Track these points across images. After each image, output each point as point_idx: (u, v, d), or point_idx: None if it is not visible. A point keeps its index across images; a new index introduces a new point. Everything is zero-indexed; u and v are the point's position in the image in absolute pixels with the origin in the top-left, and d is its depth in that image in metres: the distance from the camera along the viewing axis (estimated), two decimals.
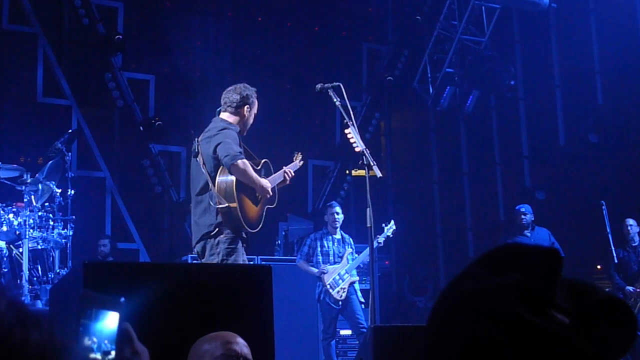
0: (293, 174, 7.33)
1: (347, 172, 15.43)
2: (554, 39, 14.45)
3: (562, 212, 13.09)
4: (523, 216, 11.71)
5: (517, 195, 14.23)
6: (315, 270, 10.64)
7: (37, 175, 9.53)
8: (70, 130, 10.89)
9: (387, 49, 16.64)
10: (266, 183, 6.95)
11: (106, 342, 1.65)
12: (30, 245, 9.13)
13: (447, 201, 16.15)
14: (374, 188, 7.17)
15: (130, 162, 14.44)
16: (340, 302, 10.50)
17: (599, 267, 12.41)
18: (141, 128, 14.17)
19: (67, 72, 13.90)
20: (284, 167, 7.33)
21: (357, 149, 6.81)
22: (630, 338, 1.30)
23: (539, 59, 14.48)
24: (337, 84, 7.03)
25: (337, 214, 10.88)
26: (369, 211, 7.04)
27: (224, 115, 7.17)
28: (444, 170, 16.45)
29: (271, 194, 7.02)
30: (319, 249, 10.85)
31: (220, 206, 6.74)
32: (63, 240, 9.59)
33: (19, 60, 13.67)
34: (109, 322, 1.67)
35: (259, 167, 7.07)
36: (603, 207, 10.77)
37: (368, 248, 10.47)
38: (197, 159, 6.96)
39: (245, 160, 6.80)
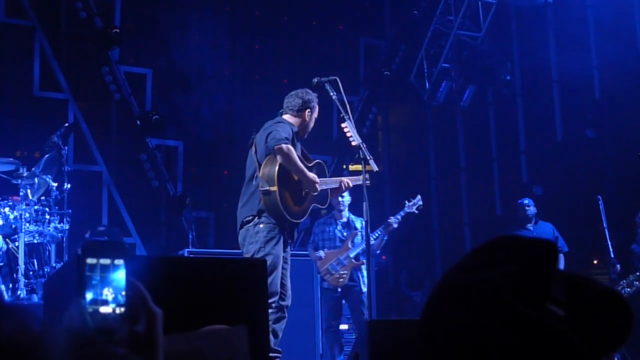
0: (351, 184, 7.35)
1: (344, 166, 15.42)
2: (551, 34, 14.44)
3: (559, 207, 13.08)
4: (527, 208, 11.68)
5: (514, 191, 14.24)
6: (315, 256, 10.56)
7: (33, 169, 9.50)
8: (66, 124, 10.85)
9: (385, 43, 16.64)
10: (313, 176, 7.01)
11: (123, 293, 1.62)
12: (26, 239, 9.11)
13: (444, 196, 16.15)
14: (370, 182, 7.17)
15: (127, 156, 14.43)
16: (339, 289, 10.28)
17: (595, 261, 12.42)
18: (138, 122, 14.16)
19: (64, 66, 13.88)
20: (344, 178, 7.43)
21: (353, 143, 6.80)
22: (625, 330, 1.30)
23: (536, 54, 14.46)
24: (334, 78, 7.02)
25: (342, 197, 10.60)
26: (365, 205, 7.04)
27: (286, 117, 7.23)
28: (441, 165, 16.45)
29: (318, 189, 7.04)
30: (321, 234, 10.77)
31: (262, 189, 6.83)
32: (59, 234, 9.57)
33: (15, 54, 13.65)
34: (120, 273, 1.65)
35: (311, 165, 7.16)
36: (600, 202, 10.76)
37: (377, 231, 10.51)
38: (251, 149, 7.10)
39: (290, 146, 6.86)
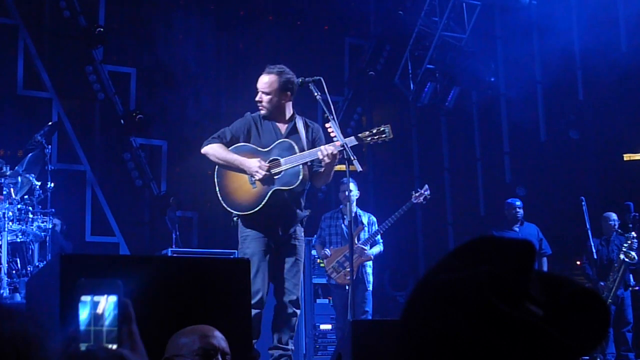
0: (334, 151, 6.66)
1: None
2: (535, 35, 14.48)
3: (543, 208, 13.13)
4: (518, 209, 11.72)
5: (497, 191, 14.28)
6: (322, 253, 10.49)
7: (16, 167, 9.48)
8: (50, 123, 10.82)
9: (369, 43, 16.65)
10: (251, 162, 6.79)
11: (115, 329, 1.63)
12: (9, 238, 9.09)
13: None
14: (354, 182, 7.17)
15: (110, 155, 14.40)
16: (347, 286, 9.94)
17: (578, 262, 12.46)
18: (122, 121, 14.15)
19: (48, 65, 13.84)
20: (322, 146, 6.80)
21: (337, 144, 6.79)
22: (603, 329, 1.30)
23: (520, 55, 14.50)
24: (318, 78, 6.99)
25: (350, 191, 10.36)
26: (349, 205, 7.04)
27: None
28: (425, 165, 16.48)
29: (261, 172, 6.74)
30: (327, 229, 10.70)
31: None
32: (42, 234, 9.55)
33: None
34: (109, 306, 1.65)
35: (268, 149, 6.89)
36: (583, 203, 10.81)
37: (383, 225, 10.43)
38: None
39: (209, 145, 6.92)
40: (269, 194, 6.75)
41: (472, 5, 14.28)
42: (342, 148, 6.67)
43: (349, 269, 9.86)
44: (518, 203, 11.79)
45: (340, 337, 8.44)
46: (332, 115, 6.82)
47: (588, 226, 10.90)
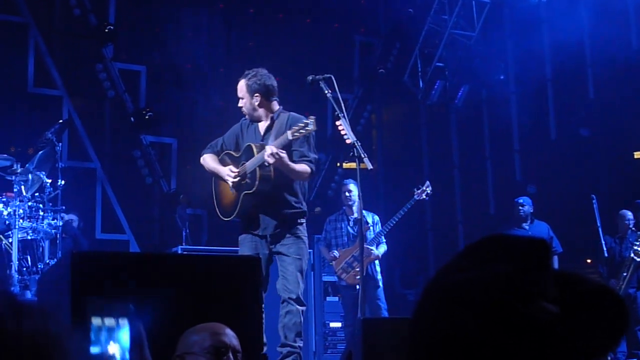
0: (271, 151, 6.57)
1: (338, 164, 15.43)
2: (545, 32, 14.44)
3: (553, 206, 13.09)
4: (521, 207, 11.70)
5: (507, 189, 14.25)
6: (327, 257, 10.50)
7: (27, 165, 9.49)
8: (60, 121, 10.82)
9: (379, 41, 16.63)
10: (223, 170, 6.98)
11: (127, 353, 1.64)
12: (19, 236, 9.10)
13: (437, 194, 16.13)
14: (364, 180, 7.16)
15: (121, 152, 14.43)
16: (357, 286, 9.75)
17: (588, 260, 12.43)
18: (132, 119, 14.16)
19: (58, 63, 13.88)
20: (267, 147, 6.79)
21: (348, 141, 6.77)
22: (622, 327, 1.29)
23: (530, 52, 14.47)
24: (329, 75, 6.99)
25: (350, 191, 10.48)
26: (359, 203, 7.04)
27: None
28: (434, 163, 16.46)
29: (232, 178, 6.90)
30: (333, 231, 10.71)
31: None
32: (53, 231, 9.56)
33: (9, 51, 13.63)
34: (124, 332, 1.66)
35: (239, 154, 6.99)
36: (594, 201, 10.78)
37: (388, 223, 10.45)
38: None
39: (204, 156, 7.17)
40: (240, 198, 6.88)
41: (481, 3, 14.26)
42: (353, 146, 6.68)
43: (358, 269, 9.91)
44: (521, 201, 11.77)
45: (351, 335, 8.45)
46: (342, 112, 6.82)
47: (599, 224, 10.87)
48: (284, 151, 6.61)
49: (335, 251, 10.45)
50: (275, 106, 7.09)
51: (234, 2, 15.45)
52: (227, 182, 6.97)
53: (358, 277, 9.78)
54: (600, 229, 10.92)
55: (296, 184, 6.92)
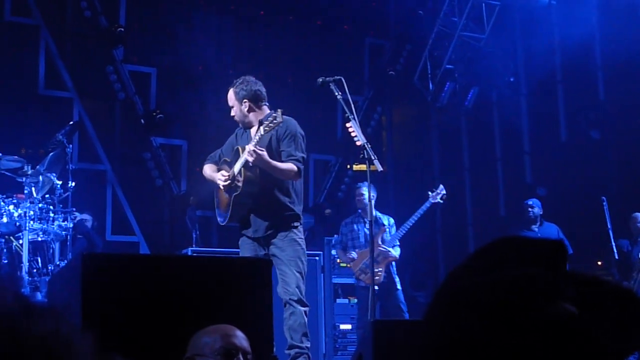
0: (249, 149, 6.68)
1: (348, 166, 15.42)
2: (555, 34, 14.42)
3: (563, 208, 13.06)
4: (530, 209, 11.69)
5: (518, 191, 14.22)
6: (345, 259, 10.52)
7: (37, 167, 9.51)
8: (71, 123, 10.87)
9: (389, 43, 16.63)
10: (216, 175, 7.13)
11: None
12: (30, 237, 9.12)
13: (447, 196, 16.12)
14: (374, 182, 7.16)
15: (131, 154, 14.45)
16: (376, 287, 9.94)
17: (599, 262, 12.40)
18: (142, 121, 14.18)
19: (69, 65, 13.91)
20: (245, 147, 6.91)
21: (358, 143, 6.79)
22: None
23: (541, 54, 14.44)
24: (339, 77, 7.02)
25: (362, 195, 10.55)
26: (370, 205, 7.05)
27: None
28: (444, 165, 16.45)
29: (222, 182, 7.03)
30: (349, 233, 10.71)
31: None
32: (63, 233, 9.58)
33: (20, 52, 13.68)
34: None
35: (231, 160, 7.10)
36: (604, 203, 10.76)
37: (404, 226, 10.50)
38: None
39: (204, 167, 7.39)
40: (232, 200, 6.97)
41: (491, 5, 14.24)
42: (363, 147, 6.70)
43: (377, 270, 10.03)
44: (530, 203, 11.76)
45: (361, 337, 8.44)
46: (353, 114, 6.84)
47: (609, 226, 10.84)
48: (262, 149, 6.69)
49: (354, 252, 10.48)
50: (266, 110, 7.14)
51: (244, 4, 15.47)
52: (219, 186, 7.12)
53: (377, 277, 9.94)
54: (610, 231, 10.89)
55: (288, 184, 6.98)
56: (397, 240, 10.59)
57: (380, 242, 10.36)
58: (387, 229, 10.56)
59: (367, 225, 10.48)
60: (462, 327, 1.25)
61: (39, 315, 1.31)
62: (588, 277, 1.33)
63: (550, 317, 1.21)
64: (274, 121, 6.66)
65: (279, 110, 6.70)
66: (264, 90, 7.22)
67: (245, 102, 7.07)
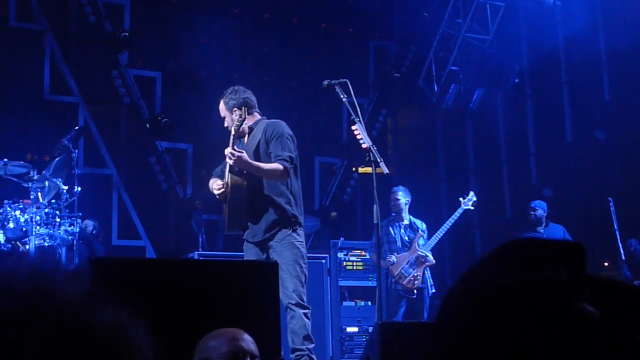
0: (227, 152, 6.79)
1: (354, 169, 15.41)
2: (559, 35, 14.40)
3: (569, 209, 13.04)
4: (532, 212, 11.68)
5: (523, 193, 14.20)
6: (383, 262, 10.57)
7: (43, 172, 9.53)
8: (76, 127, 10.88)
9: (394, 45, 16.62)
10: (211, 185, 7.25)
11: None
12: (37, 242, 9.14)
13: (453, 198, 16.13)
14: (380, 185, 7.16)
15: (136, 159, 14.46)
16: (415, 291, 10.40)
17: (606, 264, 12.38)
18: (148, 125, 14.20)
19: (74, 70, 13.92)
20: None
21: (363, 146, 6.80)
22: None
23: (546, 55, 14.43)
24: (344, 80, 7.03)
25: (398, 199, 10.67)
26: (375, 208, 7.05)
27: None
28: (450, 167, 16.44)
29: (216, 190, 7.12)
30: (385, 237, 10.72)
31: None
32: (70, 237, 9.59)
33: (25, 58, 13.70)
34: None
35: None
36: (610, 204, 10.74)
37: (439, 231, 10.62)
38: None
39: (209, 182, 7.41)
40: (227, 208, 7.07)
41: (495, 6, 14.24)
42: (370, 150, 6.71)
43: (416, 274, 10.38)
44: (533, 205, 11.75)
45: (368, 340, 8.45)
46: (358, 117, 6.85)
47: (616, 227, 10.82)
48: (241, 150, 6.75)
49: (393, 256, 10.53)
50: (257, 117, 7.18)
51: (248, 7, 15.48)
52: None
53: (416, 282, 10.09)
54: (617, 232, 10.87)
55: (282, 186, 6.99)
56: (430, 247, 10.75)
57: (417, 247, 10.57)
58: (423, 234, 10.70)
59: (402, 230, 10.60)
60: (483, 329, 1.23)
61: (101, 305, 1.17)
62: (605, 279, 1.32)
63: (574, 319, 1.20)
64: (239, 119, 6.81)
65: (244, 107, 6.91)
66: (253, 97, 7.28)
67: (235, 110, 7.11)
